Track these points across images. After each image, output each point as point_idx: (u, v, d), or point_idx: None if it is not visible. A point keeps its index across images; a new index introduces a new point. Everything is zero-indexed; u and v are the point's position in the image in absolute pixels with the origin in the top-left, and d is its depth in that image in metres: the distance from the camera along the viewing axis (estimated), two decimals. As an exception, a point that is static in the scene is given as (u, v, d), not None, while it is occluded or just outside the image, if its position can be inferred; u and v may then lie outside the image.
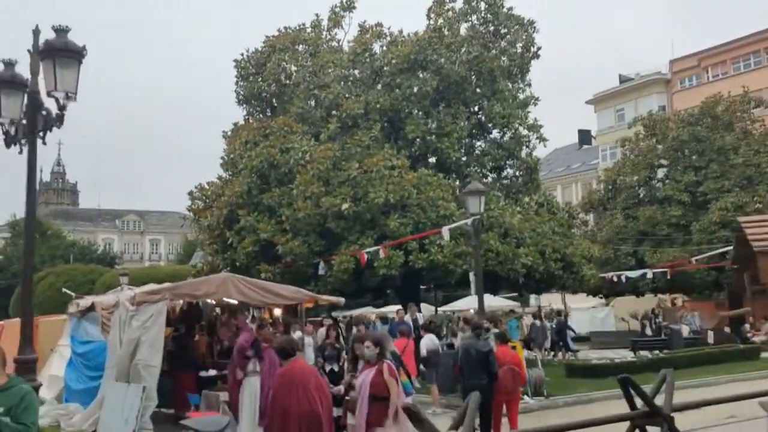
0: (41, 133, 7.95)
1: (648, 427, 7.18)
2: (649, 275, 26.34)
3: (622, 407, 13.44)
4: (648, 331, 22.85)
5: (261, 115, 24.56)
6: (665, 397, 7.03)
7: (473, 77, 21.83)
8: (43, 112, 7.94)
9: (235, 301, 14.50)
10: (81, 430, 11.00)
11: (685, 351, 18.80)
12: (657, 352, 21.11)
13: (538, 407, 13.29)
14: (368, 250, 17.30)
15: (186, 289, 11.83)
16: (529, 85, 23.30)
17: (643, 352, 21.59)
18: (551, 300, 42.44)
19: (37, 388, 7.99)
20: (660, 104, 59.69)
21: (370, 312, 30.47)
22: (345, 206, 17.69)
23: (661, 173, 33.13)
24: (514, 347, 13.51)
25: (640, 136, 34.48)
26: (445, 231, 15.18)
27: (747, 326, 27.08)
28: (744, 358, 18.35)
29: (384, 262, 17.29)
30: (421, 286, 22.05)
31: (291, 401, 6.95)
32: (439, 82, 20.39)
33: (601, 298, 37.15)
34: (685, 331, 21.72)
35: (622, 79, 65.73)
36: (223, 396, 11.36)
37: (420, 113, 20.73)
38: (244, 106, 25.49)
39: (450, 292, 31.87)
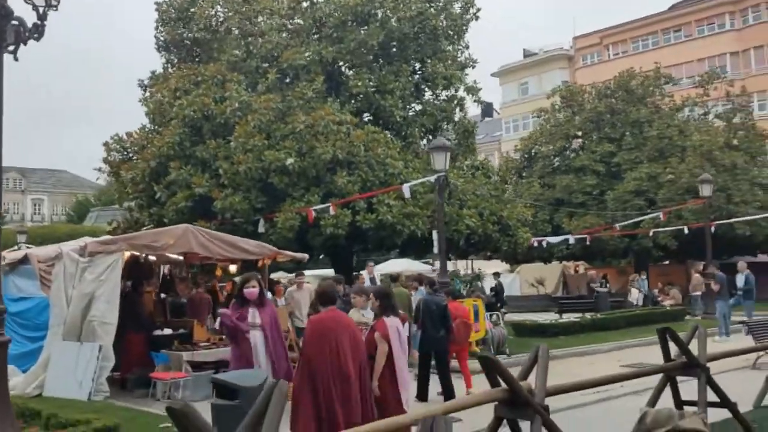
0: (12, 47, 6.74)
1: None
2: (572, 241, 27.06)
3: (583, 363, 13.58)
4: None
5: (183, 64, 22.99)
6: (699, 349, 6.92)
7: (414, 35, 21.26)
8: (14, 23, 6.73)
9: (179, 257, 13.52)
10: (23, 394, 9.80)
11: (620, 312, 19.40)
12: (582, 314, 21.78)
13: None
14: (316, 207, 16.56)
15: (143, 240, 10.76)
16: (467, 47, 23.00)
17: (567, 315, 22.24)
18: (462, 266, 43.33)
19: (5, 344, 6.90)
20: (563, 79, 61.55)
21: (281, 276, 29.58)
22: (290, 161, 16.80)
23: (576, 144, 34.05)
24: (475, 304, 13.47)
25: (556, 106, 35.24)
26: (406, 188, 14.67)
27: (656, 291, 28.57)
28: (671, 319, 19.13)
29: (331, 221, 16.60)
30: (353, 250, 21.49)
31: (320, 355, 6.28)
32: (383, 37, 19.70)
33: (508, 264, 38.13)
34: (635, 294, 22.50)
35: (526, 54, 67.20)
36: (186, 356, 10.50)
37: (364, 69, 19.98)
38: (163, 53, 23.82)
39: (365, 257, 31.58)
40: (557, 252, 31.43)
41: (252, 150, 17.15)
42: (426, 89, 22.05)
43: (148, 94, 22.61)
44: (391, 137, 19.35)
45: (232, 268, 13.26)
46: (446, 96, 22.39)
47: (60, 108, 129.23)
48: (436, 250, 14.23)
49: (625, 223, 26.13)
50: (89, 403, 9.38)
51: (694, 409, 6.59)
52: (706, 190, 20.62)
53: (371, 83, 19.83)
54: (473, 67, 22.66)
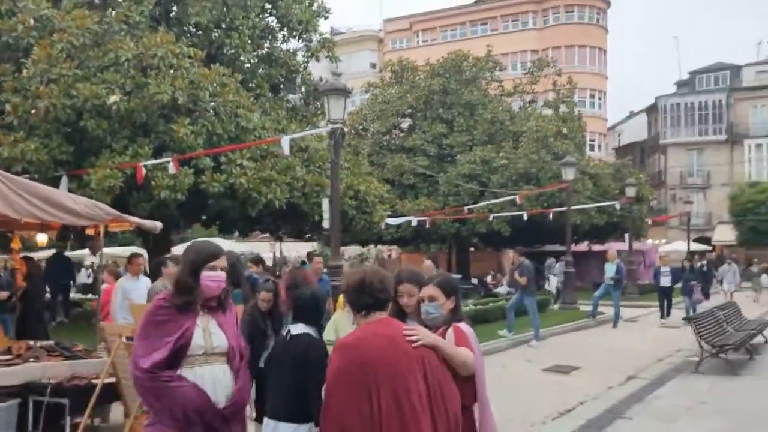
0: None
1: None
2: (414, 222, 25.03)
3: (494, 365, 11.23)
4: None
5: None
6: None
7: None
8: None
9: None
10: None
11: (493, 302, 17.54)
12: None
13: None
14: (149, 162, 12.50)
15: None
16: (319, -6, 19.78)
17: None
18: (267, 247, 40.00)
19: None
20: (372, 62, 60.49)
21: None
22: (113, 99, 12.51)
23: (406, 123, 32.37)
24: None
25: (385, 81, 33.26)
26: (285, 141, 11.15)
27: (489, 278, 27.71)
28: (540, 308, 17.66)
29: (166, 181, 12.67)
30: (179, 223, 17.43)
31: (364, 411, 2.99)
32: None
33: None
34: (554, 283, 20.76)
35: (335, 32, 64.95)
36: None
37: (204, -4, 15.98)
38: None
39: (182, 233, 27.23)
40: (386, 235, 29.37)
41: (57, 81, 12.60)
42: (272, 35, 18.57)
43: None
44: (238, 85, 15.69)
45: (41, 237, 8.94)
46: (290, 49, 19.17)
47: None
48: (326, 224, 11.05)
49: (476, 205, 24.73)
50: None
51: None
52: (569, 174, 19.56)
53: (214, 14, 15.93)
54: (326, 18, 19.55)
